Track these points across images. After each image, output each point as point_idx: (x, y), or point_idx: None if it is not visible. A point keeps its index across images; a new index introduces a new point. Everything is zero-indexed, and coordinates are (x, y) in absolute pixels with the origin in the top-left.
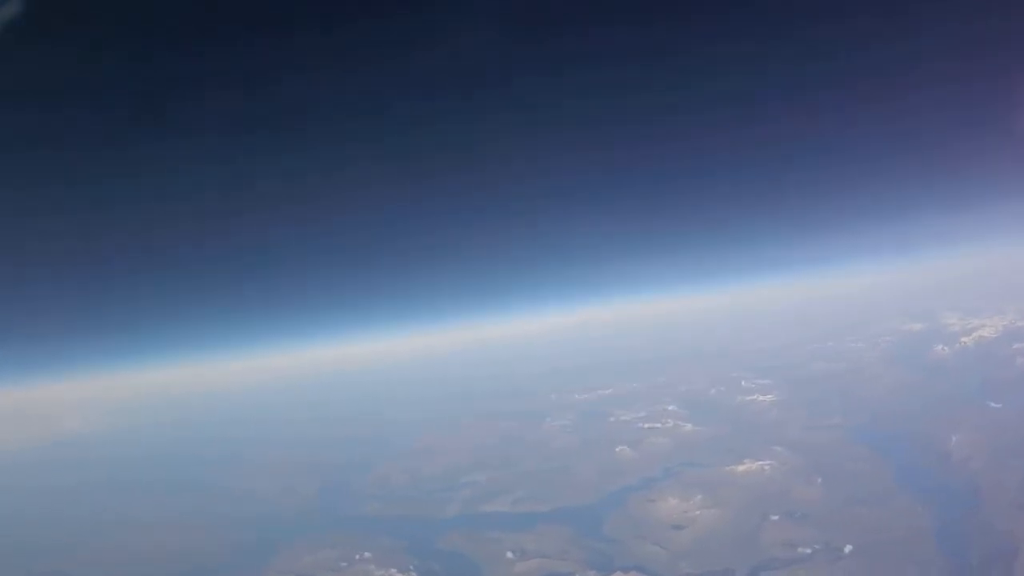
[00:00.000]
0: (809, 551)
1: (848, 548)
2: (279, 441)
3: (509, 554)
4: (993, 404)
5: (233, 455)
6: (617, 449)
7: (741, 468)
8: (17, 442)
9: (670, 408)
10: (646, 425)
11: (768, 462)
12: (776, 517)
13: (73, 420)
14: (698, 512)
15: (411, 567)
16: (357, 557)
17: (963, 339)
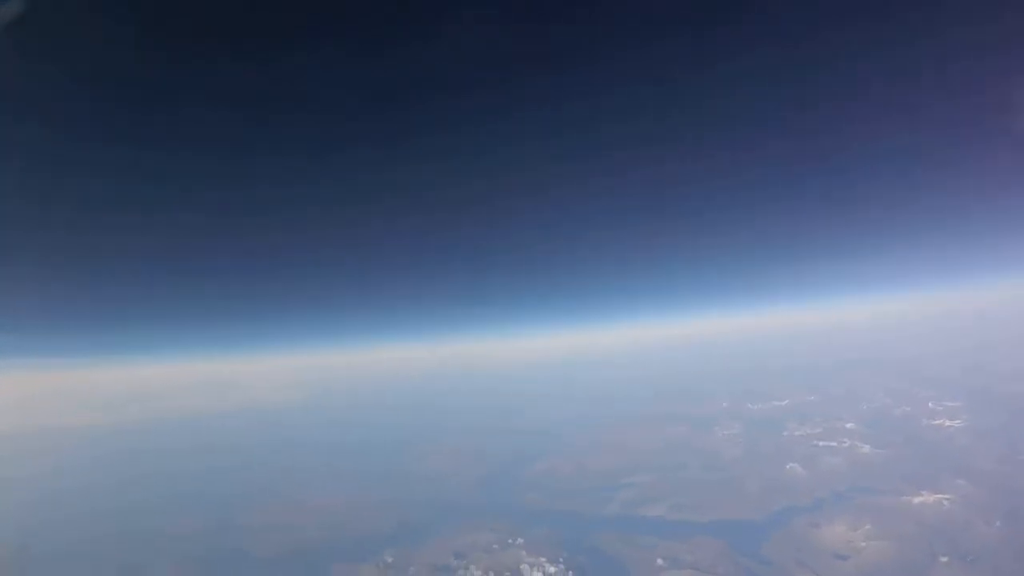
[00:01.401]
0: None
1: None
2: (456, 428)
3: (660, 561)
4: None
5: (410, 438)
6: (787, 466)
7: (917, 500)
8: (219, 408)
9: (848, 426)
10: (821, 443)
11: (948, 496)
12: (946, 559)
13: (266, 393)
14: (864, 543)
15: (560, 559)
16: (511, 542)
17: None
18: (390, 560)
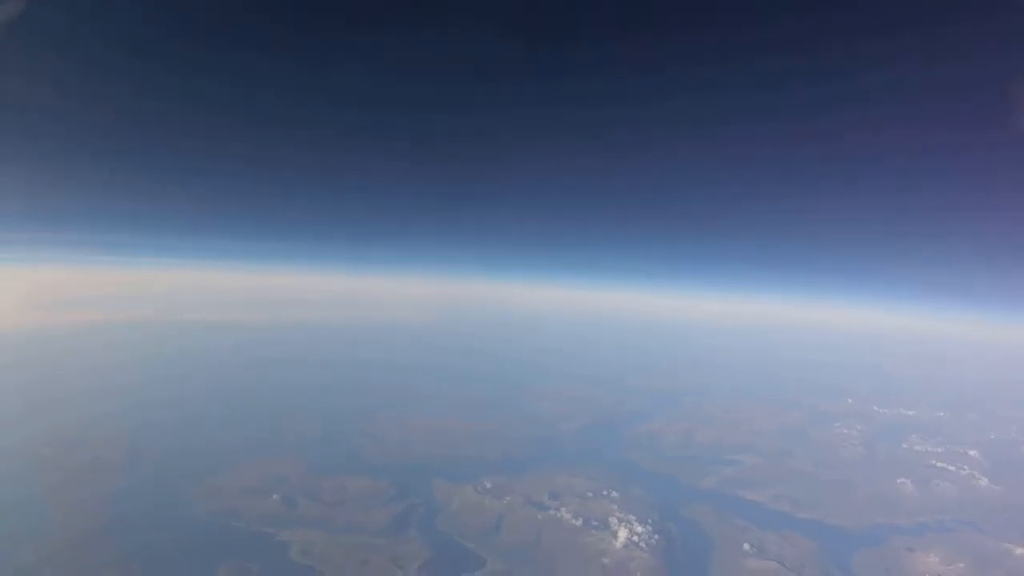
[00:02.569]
0: None
1: None
2: (575, 374)
3: (746, 546)
4: None
5: (530, 377)
6: (899, 480)
7: (1020, 551)
8: (353, 320)
9: (971, 453)
10: (939, 464)
11: None
12: None
13: (400, 312)
14: None
15: (650, 521)
16: (604, 493)
17: None
18: (488, 486)
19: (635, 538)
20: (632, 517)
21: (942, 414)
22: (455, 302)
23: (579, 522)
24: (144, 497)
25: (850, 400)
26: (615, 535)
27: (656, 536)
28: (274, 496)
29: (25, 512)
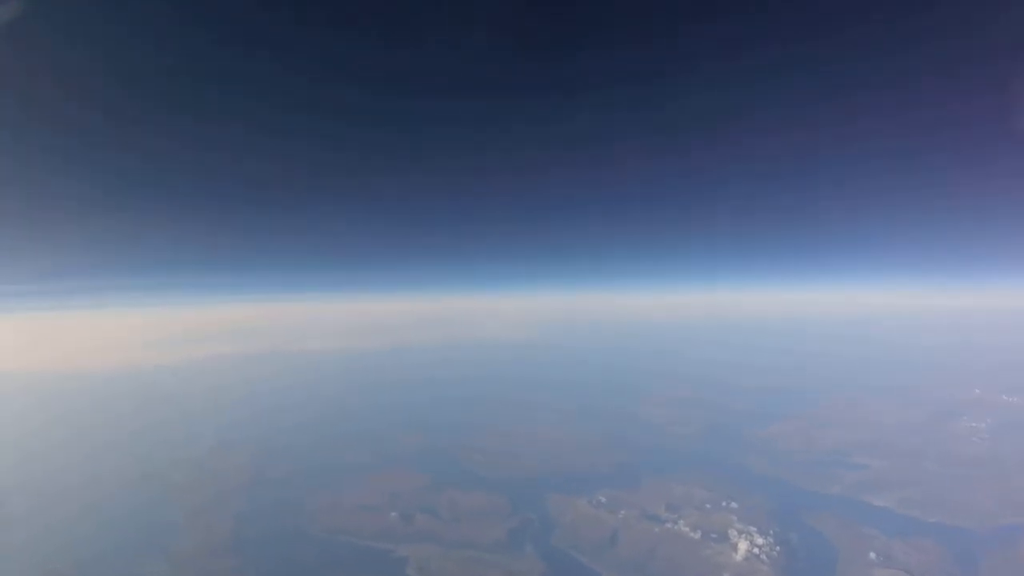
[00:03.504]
0: None
1: None
2: (689, 377)
3: (872, 555)
4: None
5: (642, 383)
6: None
7: None
8: (458, 340)
9: None
10: None
11: None
12: None
13: (505, 329)
14: None
15: (771, 532)
16: (724, 504)
17: None
18: (603, 500)
19: (756, 550)
20: (752, 528)
21: None
22: (557, 317)
23: (697, 535)
24: (267, 516)
25: (977, 390)
26: (735, 548)
27: (778, 548)
28: (392, 513)
29: (158, 529)
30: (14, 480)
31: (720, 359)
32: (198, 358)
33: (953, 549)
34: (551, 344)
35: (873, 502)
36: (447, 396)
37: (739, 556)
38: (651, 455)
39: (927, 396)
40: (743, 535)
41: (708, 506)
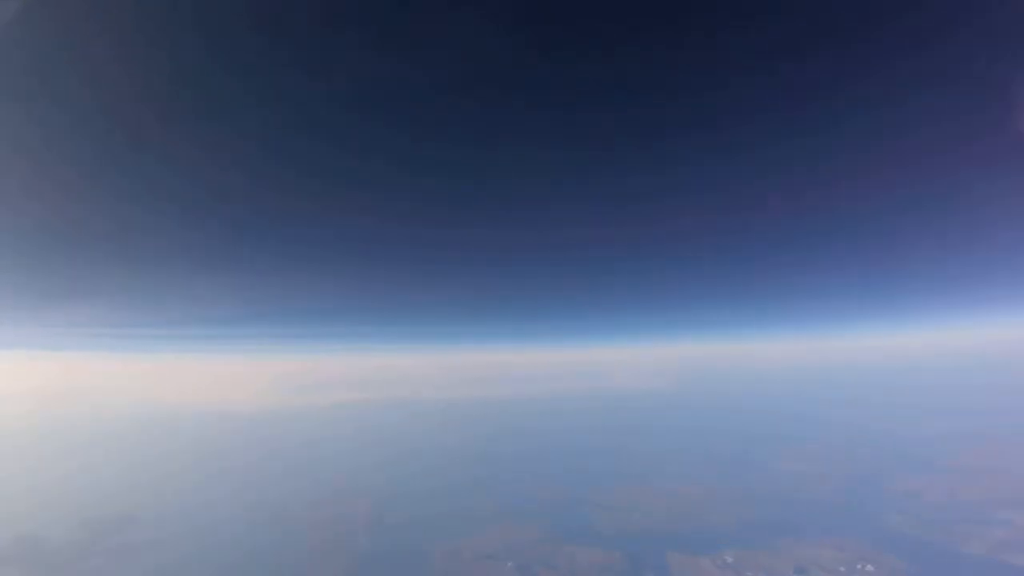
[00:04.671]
0: None
1: None
2: (822, 426)
3: None
4: None
5: (771, 433)
6: None
7: None
8: (583, 391)
9: None
10: None
11: None
12: None
13: (629, 379)
14: None
15: None
16: (859, 567)
17: None
18: (729, 560)
19: None
20: None
21: None
22: (694, 366)
23: None
24: (387, 560)
25: None
26: None
27: None
28: (508, 563)
29: (281, 565)
30: (159, 505)
31: (853, 404)
32: (327, 404)
33: None
34: (687, 393)
35: (1016, 563)
36: (576, 446)
37: None
38: (784, 511)
39: None
40: None
41: (842, 569)
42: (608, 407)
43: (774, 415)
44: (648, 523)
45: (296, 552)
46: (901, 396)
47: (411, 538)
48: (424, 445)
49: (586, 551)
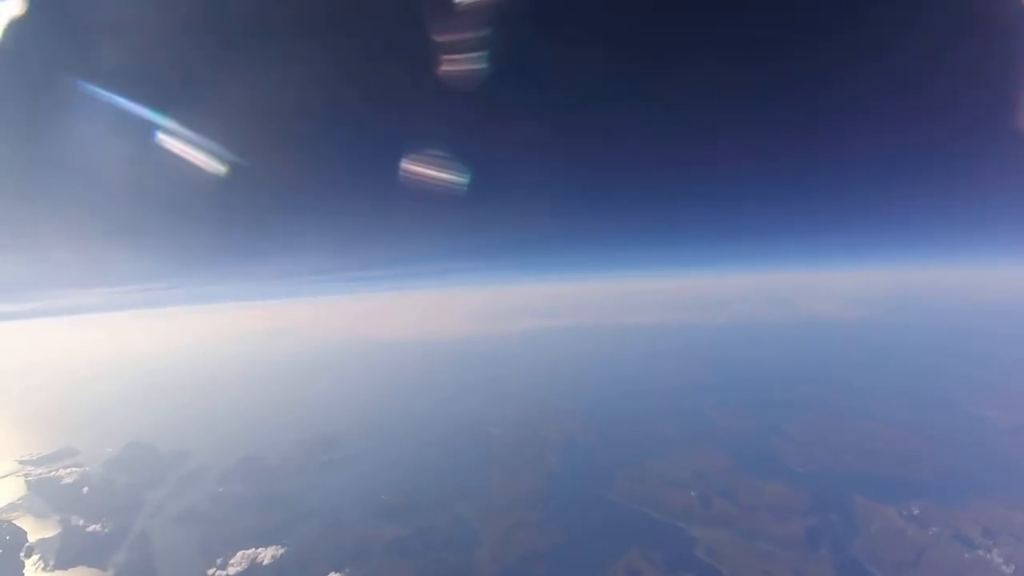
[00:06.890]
0: None
1: None
2: None
3: None
4: None
5: (987, 375)
6: None
7: None
8: (787, 318)
9: None
10: None
11: None
12: None
13: (834, 307)
14: None
15: None
16: None
17: None
18: (915, 511)
19: None
20: None
21: None
22: (897, 294)
23: (1010, 569)
24: (575, 478)
25: None
26: None
27: None
28: (692, 492)
29: (473, 478)
30: (364, 426)
31: None
32: (523, 330)
33: None
34: (889, 324)
35: None
36: (769, 376)
37: None
38: (978, 466)
39: None
40: None
41: None
42: (811, 336)
43: (980, 358)
44: (837, 463)
45: (490, 466)
46: None
47: (600, 459)
48: (615, 371)
49: (772, 486)
